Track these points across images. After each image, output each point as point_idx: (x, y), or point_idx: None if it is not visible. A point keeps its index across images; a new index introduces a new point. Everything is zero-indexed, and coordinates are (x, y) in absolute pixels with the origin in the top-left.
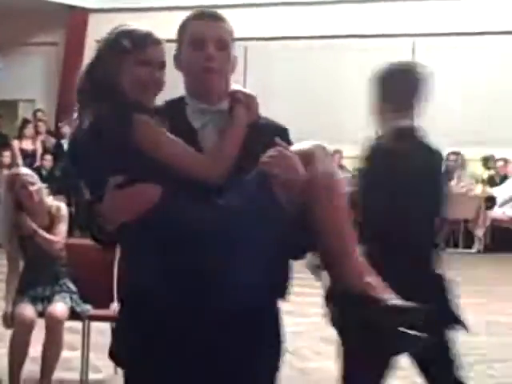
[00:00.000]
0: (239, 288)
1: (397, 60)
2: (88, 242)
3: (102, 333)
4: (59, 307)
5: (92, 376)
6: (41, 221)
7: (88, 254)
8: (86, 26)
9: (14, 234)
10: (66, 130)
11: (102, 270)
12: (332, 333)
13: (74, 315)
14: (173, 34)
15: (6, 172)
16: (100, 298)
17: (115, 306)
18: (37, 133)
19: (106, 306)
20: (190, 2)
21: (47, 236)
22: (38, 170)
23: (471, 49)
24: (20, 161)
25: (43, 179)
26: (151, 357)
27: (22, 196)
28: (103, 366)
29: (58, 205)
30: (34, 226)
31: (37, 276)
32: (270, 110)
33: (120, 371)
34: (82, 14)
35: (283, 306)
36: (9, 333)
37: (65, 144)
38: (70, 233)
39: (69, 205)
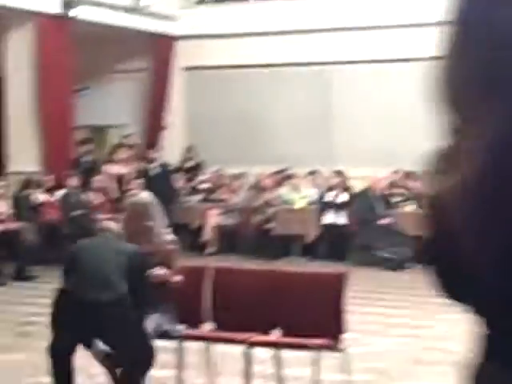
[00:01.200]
0: None
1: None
2: (180, 264)
3: (196, 351)
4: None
5: None
6: None
7: (182, 275)
8: (173, 53)
9: None
10: (154, 155)
11: (195, 290)
12: (418, 353)
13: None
14: (260, 58)
15: (97, 195)
16: (193, 317)
17: (207, 326)
18: (127, 157)
19: (199, 325)
20: (274, 27)
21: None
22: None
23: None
24: (111, 185)
25: None
26: None
27: None
28: None
29: None
30: None
31: None
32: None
33: None
34: (169, 40)
35: (369, 326)
36: None
37: (153, 169)
38: None
39: None
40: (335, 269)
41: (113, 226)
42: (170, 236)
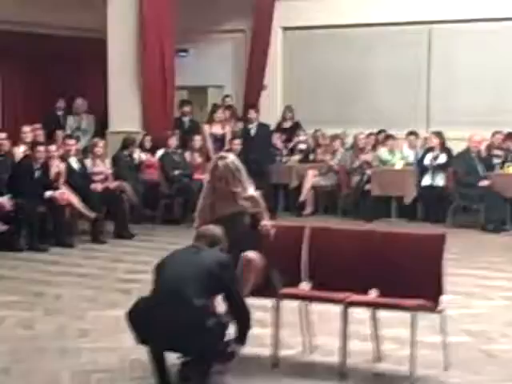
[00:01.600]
0: None
1: None
2: (279, 223)
3: (292, 310)
4: (251, 253)
5: (283, 352)
6: None
7: (280, 234)
8: (273, 13)
9: (208, 217)
10: (253, 115)
11: (292, 250)
12: None
13: (265, 292)
14: (358, 18)
15: (196, 155)
16: (290, 276)
17: (304, 285)
18: (226, 118)
19: (296, 284)
20: None
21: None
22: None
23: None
24: (210, 145)
25: None
26: None
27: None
28: (293, 342)
29: None
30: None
31: None
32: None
33: (308, 347)
34: (269, 0)
35: (467, 288)
36: None
37: (252, 129)
38: None
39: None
40: (434, 230)
41: (209, 232)
42: (257, 197)
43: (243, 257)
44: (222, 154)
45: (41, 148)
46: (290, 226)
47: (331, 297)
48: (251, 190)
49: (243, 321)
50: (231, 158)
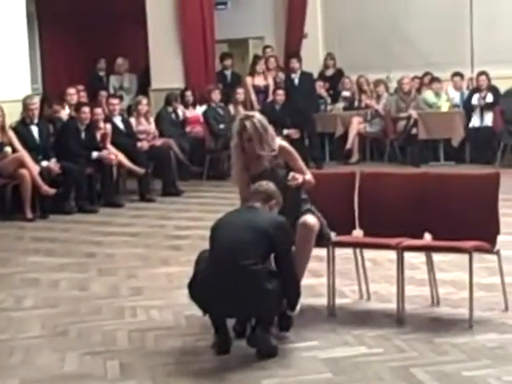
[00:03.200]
0: None
1: None
2: (328, 171)
3: (346, 259)
4: (310, 218)
5: (338, 301)
6: None
7: (329, 182)
8: None
9: (244, 175)
10: (296, 64)
11: (343, 197)
12: None
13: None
14: None
15: (240, 108)
16: (342, 224)
17: (357, 232)
18: (268, 69)
19: (348, 232)
20: None
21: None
22: (271, 105)
23: None
24: (253, 97)
25: (277, 114)
26: None
27: None
28: (349, 291)
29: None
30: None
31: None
32: None
33: (365, 295)
34: None
35: None
36: None
37: (295, 79)
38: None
39: (302, 138)
40: (486, 170)
41: (262, 188)
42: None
43: (302, 223)
44: (247, 113)
45: (86, 109)
46: (340, 173)
47: (385, 243)
48: (277, 141)
49: (293, 287)
50: (257, 116)
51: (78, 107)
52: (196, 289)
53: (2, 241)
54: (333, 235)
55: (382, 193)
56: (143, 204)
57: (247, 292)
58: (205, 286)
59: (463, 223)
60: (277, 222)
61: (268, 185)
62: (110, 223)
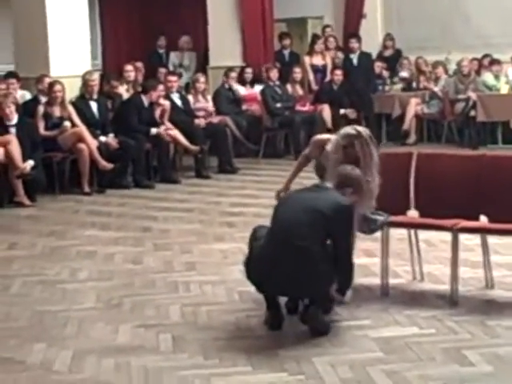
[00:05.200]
0: None
1: None
2: (385, 151)
3: (399, 240)
4: None
5: (391, 281)
6: None
7: (386, 162)
8: None
9: None
10: (355, 44)
11: (400, 177)
12: None
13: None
14: None
15: (298, 87)
16: (397, 205)
17: (412, 213)
18: (327, 48)
19: (403, 212)
20: None
21: None
22: (329, 85)
23: None
24: (311, 76)
25: (334, 93)
26: None
27: None
28: (402, 271)
29: None
30: None
31: None
32: None
33: (418, 276)
34: None
35: None
36: None
37: (354, 58)
38: None
39: (359, 118)
40: None
41: (343, 171)
42: None
43: None
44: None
45: (160, 87)
46: (397, 153)
47: (440, 224)
48: None
49: (347, 273)
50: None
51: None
52: (251, 265)
53: (59, 214)
54: (387, 215)
55: (439, 174)
56: (199, 181)
57: (299, 272)
58: (260, 263)
59: None
60: (338, 205)
61: (354, 170)
62: (166, 199)
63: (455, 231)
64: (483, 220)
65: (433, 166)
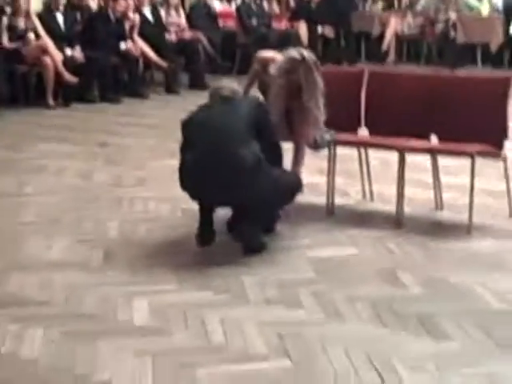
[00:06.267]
0: None
1: None
2: (338, 69)
3: (349, 158)
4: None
5: (340, 200)
6: None
7: (338, 79)
8: None
9: None
10: None
11: (350, 95)
12: None
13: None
14: None
15: (274, 4)
16: (349, 123)
17: (362, 132)
18: None
19: (353, 131)
20: None
21: None
22: (307, 2)
23: None
24: None
25: (312, 10)
26: None
27: None
28: (353, 191)
29: None
30: None
31: None
32: None
33: (368, 195)
34: None
35: None
36: None
37: None
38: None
39: (338, 36)
40: (501, 74)
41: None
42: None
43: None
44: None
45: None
46: (349, 71)
47: (389, 143)
48: None
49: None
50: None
51: None
52: (186, 177)
53: (19, 126)
54: (334, 133)
55: (390, 92)
56: (168, 96)
57: (236, 179)
58: (196, 175)
59: (470, 126)
60: (255, 101)
61: (232, 83)
62: (131, 113)
63: (403, 150)
64: (434, 140)
65: (385, 84)
